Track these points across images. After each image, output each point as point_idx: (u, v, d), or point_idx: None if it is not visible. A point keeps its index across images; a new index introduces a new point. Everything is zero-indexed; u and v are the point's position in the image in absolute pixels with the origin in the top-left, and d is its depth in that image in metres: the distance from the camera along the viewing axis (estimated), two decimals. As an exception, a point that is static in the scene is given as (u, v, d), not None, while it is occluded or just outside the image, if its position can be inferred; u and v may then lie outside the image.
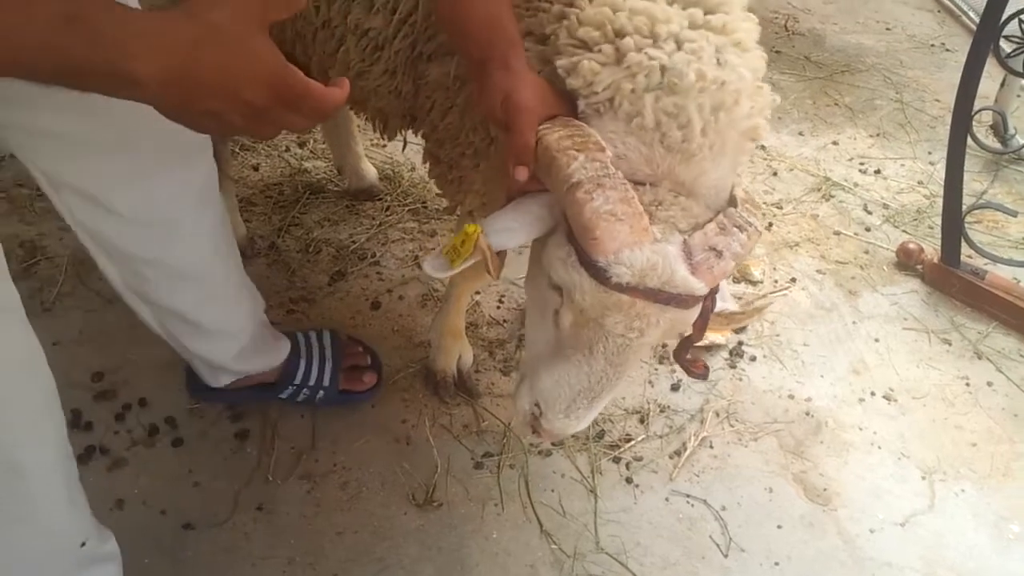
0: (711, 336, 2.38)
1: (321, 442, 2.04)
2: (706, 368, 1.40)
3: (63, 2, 0.80)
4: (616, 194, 1.18)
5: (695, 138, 1.25)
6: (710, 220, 1.25)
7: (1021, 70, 2.55)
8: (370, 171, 2.80)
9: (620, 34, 1.28)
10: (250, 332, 1.97)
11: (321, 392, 2.09)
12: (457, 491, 1.97)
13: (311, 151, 3.00)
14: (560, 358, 1.31)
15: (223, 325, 1.90)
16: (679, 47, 1.26)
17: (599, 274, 1.19)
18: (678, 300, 1.21)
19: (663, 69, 1.24)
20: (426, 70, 1.64)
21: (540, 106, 1.27)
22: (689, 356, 1.39)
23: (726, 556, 1.90)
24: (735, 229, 1.24)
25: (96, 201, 1.52)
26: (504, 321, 2.44)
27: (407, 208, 2.80)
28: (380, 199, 2.82)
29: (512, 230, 1.28)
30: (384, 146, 2.98)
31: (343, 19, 1.71)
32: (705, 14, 1.30)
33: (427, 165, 1.82)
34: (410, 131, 1.88)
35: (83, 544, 1.50)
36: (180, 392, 2.11)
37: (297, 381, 2.07)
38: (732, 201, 1.29)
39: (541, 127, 1.24)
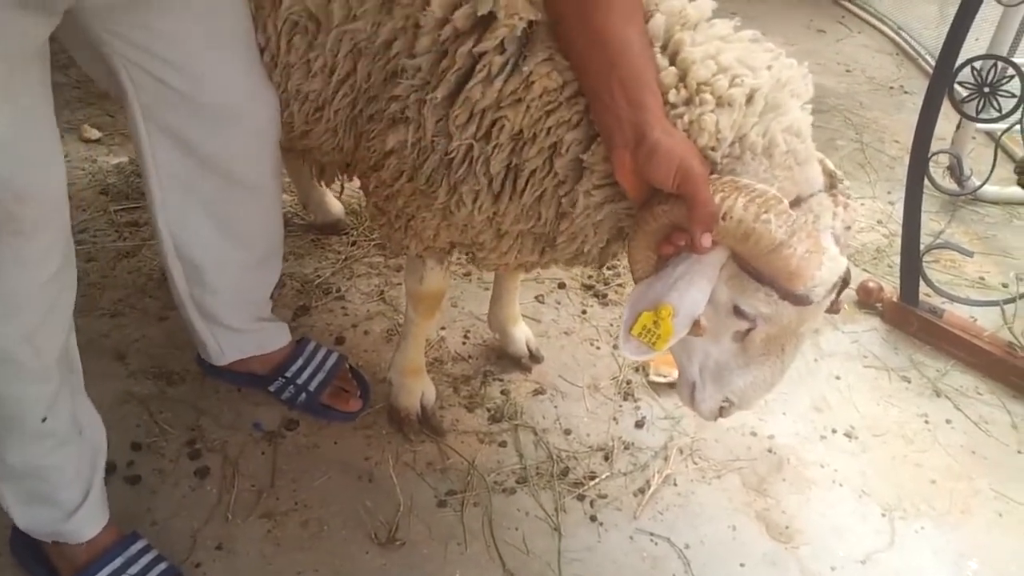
0: (675, 373, 2.39)
1: (282, 480, 2.02)
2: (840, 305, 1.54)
3: None
4: (804, 234, 1.33)
5: (809, 142, 1.42)
6: (832, 201, 1.41)
7: (975, 114, 2.62)
8: (335, 205, 2.80)
9: (705, 82, 1.36)
10: (266, 298, 2.11)
11: (304, 395, 2.15)
12: (420, 530, 1.95)
13: (277, 185, 2.99)
14: (752, 364, 1.48)
15: (255, 241, 1.97)
16: (753, 70, 1.37)
17: (802, 300, 1.36)
18: (843, 277, 1.40)
19: (761, 92, 1.35)
20: (371, 131, 1.64)
21: (704, 169, 1.33)
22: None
23: (689, 595, 1.90)
24: (847, 201, 1.44)
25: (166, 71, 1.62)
26: (469, 357, 2.43)
27: (373, 243, 2.80)
28: (346, 233, 2.82)
29: (698, 299, 1.40)
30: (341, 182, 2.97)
31: (285, 85, 1.72)
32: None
33: (369, 215, 1.82)
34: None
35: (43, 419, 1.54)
36: (137, 429, 2.08)
37: (288, 374, 2.16)
38: (830, 175, 1.45)
39: (717, 197, 1.31)
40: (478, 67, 1.45)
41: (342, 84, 1.65)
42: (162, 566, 1.73)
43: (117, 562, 1.69)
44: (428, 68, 1.50)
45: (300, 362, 2.18)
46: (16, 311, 1.41)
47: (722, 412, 1.57)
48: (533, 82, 1.43)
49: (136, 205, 2.79)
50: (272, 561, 1.85)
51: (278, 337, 2.18)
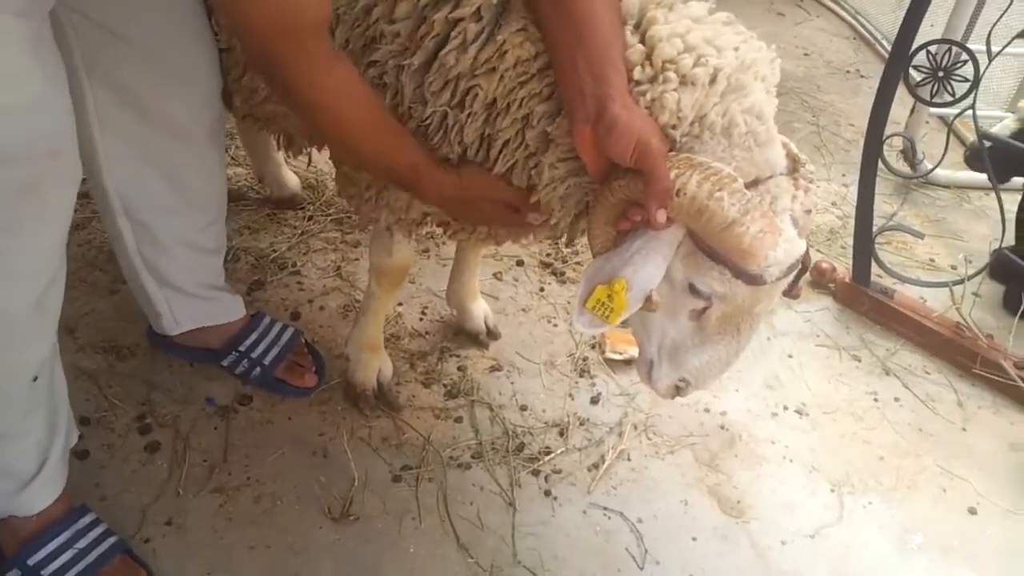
0: (631, 350, 2.41)
1: (234, 455, 2.00)
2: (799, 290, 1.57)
3: (414, 156, 1.51)
4: (758, 214, 1.32)
5: (770, 125, 1.41)
6: (792, 184, 1.42)
7: (929, 98, 2.66)
8: (292, 179, 2.76)
9: (670, 60, 1.35)
10: (217, 265, 2.10)
11: (258, 370, 2.13)
12: (374, 505, 1.95)
13: (231, 157, 2.95)
14: (708, 343, 1.48)
15: (202, 200, 1.96)
16: (719, 51, 1.36)
17: (755, 280, 1.36)
18: (802, 262, 1.41)
19: (724, 72, 1.35)
20: None
21: (663, 145, 1.33)
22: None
23: (642, 569, 1.92)
24: (809, 185, 1.45)
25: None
26: (426, 333, 2.43)
27: (330, 218, 2.77)
28: (302, 208, 2.79)
29: (652, 275, 1.40)
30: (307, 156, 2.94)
31: None
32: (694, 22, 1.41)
33: (338, 186, 1.81)
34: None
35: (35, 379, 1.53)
36: (86, 404, 2.04)
37: (242, 348, 2.14)
38: (793, 158, 1.46)
39: (672, 173, 1.31)
40: (453, 33, 1.45)
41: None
42: (111, 540, 1.71)
43: (64, 536, 1.67)
44: (407, 34, 1.49)
45: (254, 336, 2.16)
46: (32, 272, 1.43)
47: (678, 391, 1.57)
48: (506, 51, 1.42)
49: (85, 176, 2.72)
50: (224, 536, 1.84)
51: (232, 309, 2.16)
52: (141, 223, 1.89)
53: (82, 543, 1.68)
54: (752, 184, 1.37)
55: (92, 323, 2.27)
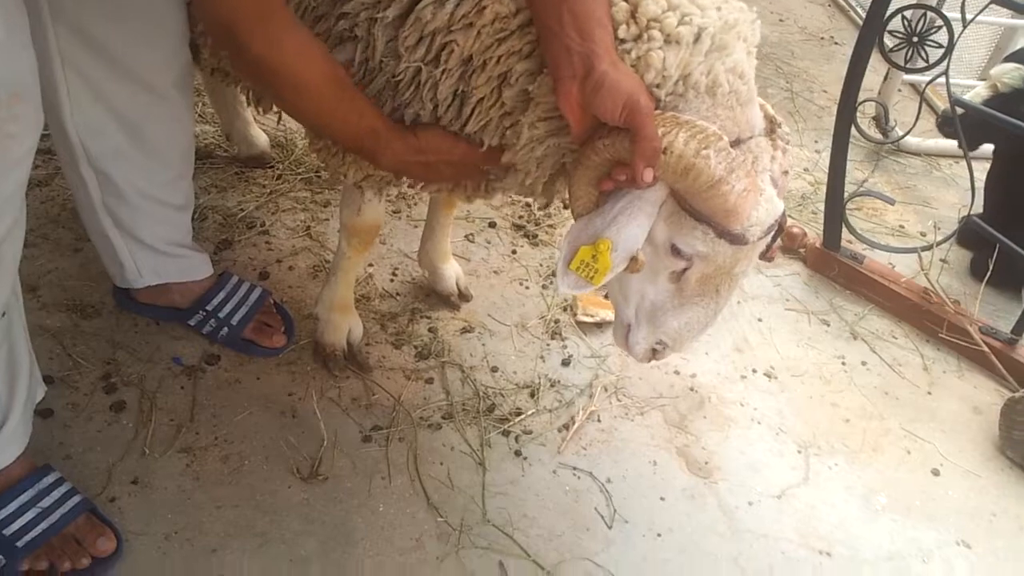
0: (602, 313, 2.41)
1: (202, 415, 1.98)
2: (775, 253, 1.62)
3: (374, 120, 1.50)
4: (742, 172, 1.33)
5: (752, 84, 1.42)
6: (771, 145, 1.44)
7: (903, 64, 2.66)
8: (260, 137, 2.72)
9: (654, 18, 1.34)
10: (185, 222, 2.07)
11: (225, 330, 2.11)
12: (344, 465, 1.94)
13: (199, 115, 2.89)
14: (686, 305, 1.49)
15: (168, 153, 1.93)
16: (702, 10, 1.36)
17: (738, 239, 1.37)
18: (779, 223, 1.42)
19: (708, 31, 1.34)
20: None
21: (651, 104, 1.32)
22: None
23: (610, 527, 1.93)
24: (786, 146, 1.46)
25: None
26: (397, 294, 2.41)
27: (300, 177, 2.74)
28: (271, 167, 2.75)
29: (636, 234, 1.40)
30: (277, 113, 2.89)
31: None
32: None
33: (308, 140, 1.78)
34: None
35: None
36: (49, 363, 2.01)
37: (209, 308, 2.11)
38: (770, 120, 1.47)
39: (659, 131, 1.30)
40: None
41: (287, 2, 1.58)
42: (75, 499, 1.69)
43: (27, 494, 1.64)
44: None
45: (222, 295, 2.13)
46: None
47: (655, 354, 1.58)
48: (485, 7, 1.40)
49: (47, 132, 2.66)
50: (191, 496, 1.82)
51: (199, 267, 2.13)
52: (104, 173, 1.85)
53: (45, 502, 1.66)
54: (735, 143, 1.37)
55: (55, 281, 2.22)
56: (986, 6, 2.39)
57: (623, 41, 1.36)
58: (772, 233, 1.44)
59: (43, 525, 1.64)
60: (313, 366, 2.14)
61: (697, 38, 1.34)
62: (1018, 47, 3.15)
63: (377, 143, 1.52)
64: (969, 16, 2.37)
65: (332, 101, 1.46)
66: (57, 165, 2.52)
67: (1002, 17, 3.52)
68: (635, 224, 1.40)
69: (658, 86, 1.36)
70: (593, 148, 1.37)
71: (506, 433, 2.08)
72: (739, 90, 1.39)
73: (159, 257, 2.03)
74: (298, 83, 1.41)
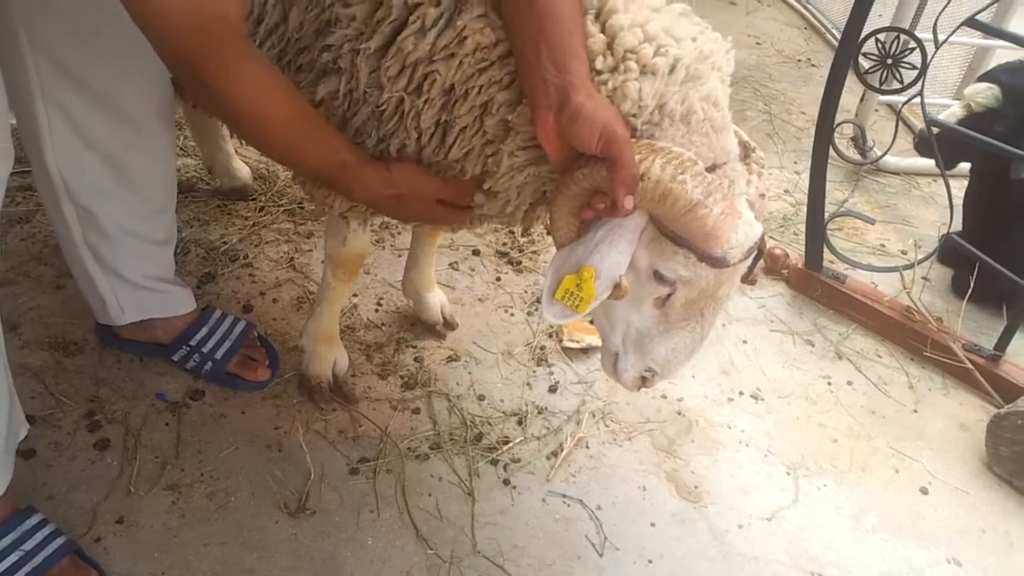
0: (588, 338, 2.41)
1: (187, 451, 1.96)
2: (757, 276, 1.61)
3: (344, 154, 1.50)
4: (719, 196, 1.35)
5: (726, 111, 1.44)
6: (746, 169, 1.46)
7: (878, 85, 2.69)
8: (242, 170, 2.72)
9: (631, 49, 1.36)
10: (167, 257, 2.06)
11: (210, 364, 2.09)
12: (331, 498, 1.92)
13: (181, 148, 2.89)
14: (672, 330, 1.50)
15: (150, 187, 1.92)
16: (678, 41, 1.38)
17: (719, 262, 1.39)
18: (758, 246, 1.44)
19: (683, 62, 1.36)
20: (300, 81, 1.60)
21: (627, 132, 1.34)
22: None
23: (601, 555, 1.92)
24: (761, 170, 1.50)
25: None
26: (382, 324, 2.40)
27: (282, 209, 2.73)
28: (254, 199, 2.74)
29: (619, 261, 1.42)
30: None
31: None
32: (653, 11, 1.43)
33: (290, 171, 1.78)
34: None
35: None
36: (32, 402, 1.99)
37: (192, 343, 2.10)
38: (744, 145, 1.50)
39: (636, 158, 1.32)
40: (412, 18, 1.43)
41: (270, 34, 1.59)
42: (59, 541, 1.67)
43: (10, 537, 1.62)
44: (363, 18, 1.47)
45: (205, 330, 2.11)
46: None
47: (644, 382, 1.59)
48: (466, 37, 1.41)
49: (28, 168, 2.65)
50: (177, 534, 1.80)
51: (182, 302, 2.11)
52: (85, 208, 1.84)
53: (28, 544, 1.63)
54: (710, 169, 1.39)
55: (37, 319, 2.21)
56: (957, 28, 2.43)
57: (600, 72, 1.38)
58: (753, 256, 1.45)
59: (26, 568, 1.61)
60: (299, 399, 2.13)
61: (672, 68, 1.37)
62: (990, 67, 3.19)
63: (348, 177, 1.52)
64: (941, 38, 2.41)
65: (297, 135, 1.45)
66: (39, 201, 2.52)
67: (974, 38, 3.57)
68: (617, 251, 1.41)
69: (634, 115, 1.38)
70: (572, 178, 1.38)
71: (494, 462, 2.07)
72: (713, 117, 1.41)
73: (141, 293, 2.02)
74: (259, 118, 1.39)
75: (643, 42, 1.37)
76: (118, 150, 1.81)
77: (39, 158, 1.76)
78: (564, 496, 2.03)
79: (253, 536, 1.82)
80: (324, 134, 1.49)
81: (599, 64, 1.37)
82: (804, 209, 2.80)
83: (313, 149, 1.48)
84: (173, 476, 1.91)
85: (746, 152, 1.50)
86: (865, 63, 2.62)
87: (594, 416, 2.24)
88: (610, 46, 1.37)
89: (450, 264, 2.66)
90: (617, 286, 1.42)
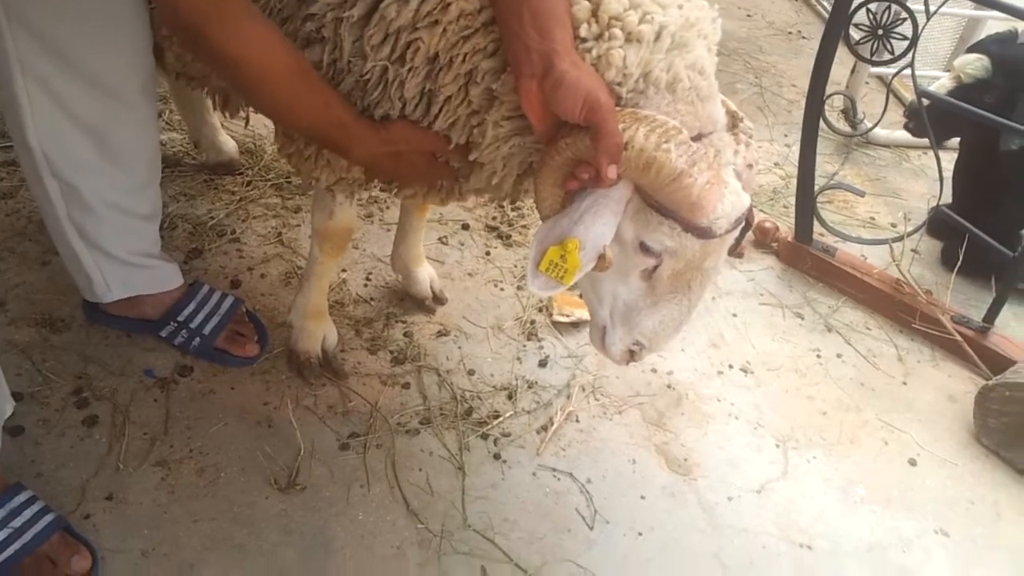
0: (578, 312, 2.40)
1: (176, 427, 1.95)
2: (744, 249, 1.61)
3: (341, 112, 1.49)
4: (705, 165, 1.33)
5: (712, 80, 1.42)
6: (734, 139, 1.45)
7: (869, 57, 2.67)
8: (229, 144, 2.69)
9: (616, 16, 1.35)
10: (153, 232, 2.04)
11: (198, 339, 2.09)
12: (321, 473, 1.92)
13: (166, 122, 2.86)
14: (660, 303, 1.50)
15: (133, 161, 1.90)
16: (664, 8, 1.36)
17: (705, 233, 1.37)
18: (746, 218, 1.43)
19: (669, 29, 1.35)
20: None
21: (611, 101, 1.32)
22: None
23: (591, 528, 1.93)
24: (749, 140, 1.48)
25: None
26: (371, 299, 2.39)
27: (270, 183, 2.71)
28: (241, 173, 2.72)
29: (603, 232, 1.40)
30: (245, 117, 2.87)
31: None
32: None
33: (278, 144, 1.76)
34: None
35: None
36: (18, 379, 1.97)
37: (180, 318, 2.08)
38: (732, 115, 1.48)
39: (619, 127, 1.30)
40: None
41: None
42: (48, 517, 1.66)
43: None
44: None
45: (193, 306, 2.10)
46: None
47: (633, 356, 1.58)
48: (450, 4, 1.39)
49: (11, 144, 2.62)
50: (167, 510, 1.80)
51: (169, 278, 2.10)
52: (68, 183, 1.82)
53: (17, 522, 1.63)
54: (696, 138, 1.38)
55: (23, 295, 2.19)
56: (948, -1, 2.42)
57: (584, 40, 1.36)
58: (740, 227, 1.44)
59: (16, 545, 1.61)
60: (288, 374, 2.12)
61: (658, 36, 1.35)
62: (981, 37, 3.17)
63: (346, 134, 1.51)
64: (932, 8, 2.39)
65: (297, 90, 1.44)
66: (21, 177, 2.49)
67: (965, 8, 3.55)
68: (602, 222, 1.40)
69: (619, 84, 1.36)
70: (556, 148, 1.37)
71: (485, 436, 2.07)
72: (699, 86, 1.40)
73: (127, 269, 2.00)
74: (262, 72, 1.39)
75: (628, 9, 1.35)
76: (100, 123, 1.78)
77: (20, 132, 1.73)
78: (554, 470, 2.03)
79: (243, 512, 1.82)
80: (323, 92, 1.48)
81: (583, 31, 1.35)
82: (794, 182, 2.79)
83: (311, 105, 1.47)
84: (162, 452, 1.90)
85: (734, 122, 1.49)
86: (856, 34, 2.60)
87: (584, 390, 2.24)
88: (595, 13, 1.36)
89: (439, 238, 2.65)
90: (602, 257, 1.41)
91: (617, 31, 1.34)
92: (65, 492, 1.80)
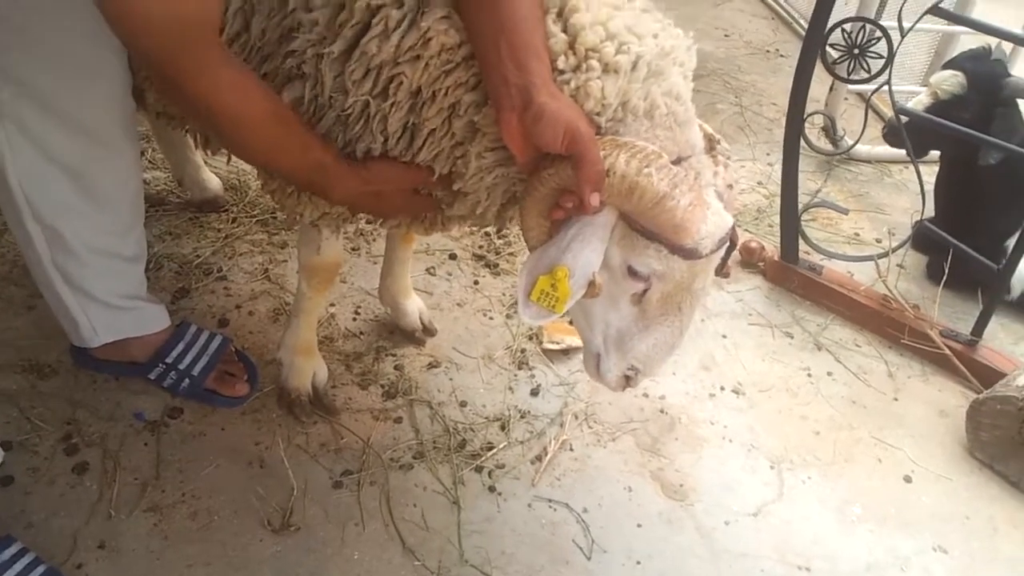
0: (568, 339, 2.40)
1: (167, 471, 1.93)
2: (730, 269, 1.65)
3: (320, 154, 1.48)
4: (686, 187, 1.34)
5: (689, 105, 1.45)
6: (712, 161, 1.48)
7: (846, 75, 2.70)
8: (213, 181, 2.68)
9: (593, 48, 1.36)
10: (138, 274, 2.03)
11: (187, 381, 2.07)
12: (315, 513, 1.91)
13: (149, 161, 2.85)
14: (652, 326, 1.50)
15: (116, 203, 1.89)
16: (639, 38, 1.38)
17: (691, 254, 1.38)
18: (730, 238, 1.44)
19: (645, 59, 1.37)
20: None
21: (591, 130, 1.34)
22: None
23: (589, 558, 1.92)
24: (727, 161, 1.51)
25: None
26: (361, 333, 2.38)
27: (255, 219, 2.70)
28: (226, 210, 2.71)
29: (591, 259, 1.41)
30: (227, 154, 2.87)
31: None
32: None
33: (261, 181, 1.76)
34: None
35: None
36: (7, 427, 1.95)
37: (168, 360, 2.07)
38: (709, 138, 1.51)
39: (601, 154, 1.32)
40: (375, 21, 1.41)
41: (231, 44, 1.57)
42: (40, 569, 1.64)
43: None
44: (325, 22, 1.45)
45: (181, 347, 2.09)
46: None
47: (629, 381, 1.58)
48: (430, 39, 1.40)
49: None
50: (160, 556, 1.78)
51: (156, 319, 2.08)
52: (51, 227, 1.81)
53: (9, 575, 1.60)
54: (676, 162, 1.40)
55: (9, 341, 2.17)
56: (920, 17, 2.45)
57: (562, 72, 1.37)
58: (725, 247, 1.45)
59: None
60: (279, 413, 2.11)
61: (635, 66, 1.37)
62: (956, 52, 3.21)
63: (326, 176, 1.51)
64: (907, 25, 2.42)
65: (274, 135, 1.45)
66: (4, 221, 2.47)
67: (939, 24, 3.59)
68: (589, 249, 1.41)
69: (598, 114, 1.38)
70: (539, 179, 1.39)
71: (479, 469, 2.06)
72: (676, 111, 1.42)
73: (113, 312, 1.99)
74: (238, 119, 1.39)
75: (604, 40, 1.37)
76: (81, 165, 1.77)
77: (1, 175, 1.72)
78: (550, 500, 2.02)
79: (238, 555, 1.80)
80: (301, 135, 1.48)
81: (561, 64, 1.37)
82: (778, 201, 2.80)
83: (290, 149, 1.47)
84: (154, 497, 1.88)
85: (711, 144, 1.51)
86: (833, 53, 2.63)
87: (577, 418, 2.24)
88: (572, 45, 1.37)
89: (427, 269, 2.65)
90: (592, 284, 1.42)
91: (595, 63, 1.36)
92: (57, 542, 1.77)
